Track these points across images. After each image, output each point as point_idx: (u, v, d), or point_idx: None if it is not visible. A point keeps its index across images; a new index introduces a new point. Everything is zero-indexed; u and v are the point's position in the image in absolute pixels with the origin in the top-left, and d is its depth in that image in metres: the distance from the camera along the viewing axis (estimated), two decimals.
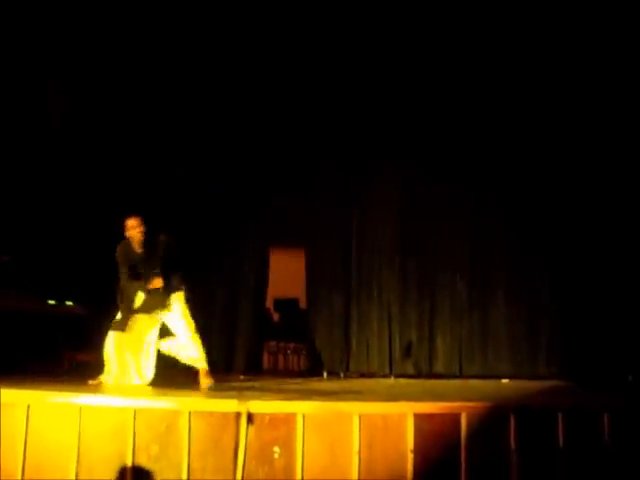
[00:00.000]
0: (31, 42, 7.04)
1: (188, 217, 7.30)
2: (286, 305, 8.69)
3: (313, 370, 7.31)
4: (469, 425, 3.72)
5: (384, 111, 7.51)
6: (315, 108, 7.50)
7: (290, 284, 8.20)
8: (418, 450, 3.64)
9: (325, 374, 7.14)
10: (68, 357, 6.58)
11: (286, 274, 8.06)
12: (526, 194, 7.30)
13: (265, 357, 8.07)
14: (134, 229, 5.12)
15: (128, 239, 5.16)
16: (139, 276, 5.15)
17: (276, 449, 3.63)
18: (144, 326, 5.21)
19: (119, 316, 5.20)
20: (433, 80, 7.41)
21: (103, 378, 5.14)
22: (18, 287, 6.60)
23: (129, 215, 5.19)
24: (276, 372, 7.74)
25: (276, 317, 8.81)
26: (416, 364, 7.29)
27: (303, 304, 7.91)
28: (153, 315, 5.20)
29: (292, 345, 8.20)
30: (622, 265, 6.97)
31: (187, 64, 7.42)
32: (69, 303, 6.98)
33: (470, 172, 7.41)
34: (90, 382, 5.01)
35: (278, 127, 7.48)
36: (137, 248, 5.16)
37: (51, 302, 6.88)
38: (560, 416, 3.82)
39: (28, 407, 3.84)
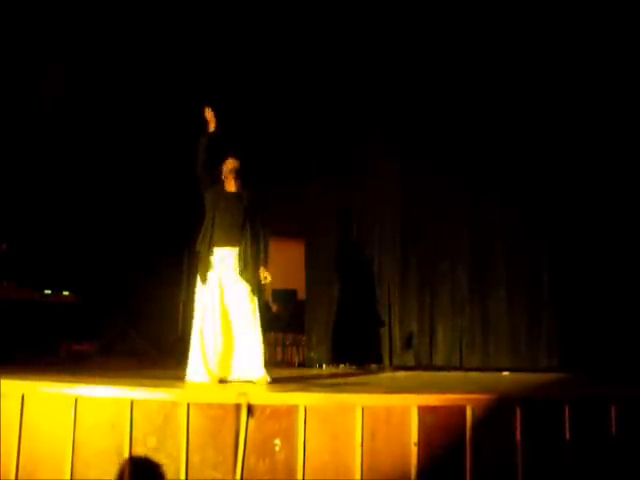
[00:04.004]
0: (27, 29, 6.94)
1: (183, 206, 7.21)
2: (285, 296, 8.62)
3: (312, 362, 7.25)
4: (474, 418, 3.65)
5: (384, 100, 7.45)
6: (314, 95, 7.41)
7: (289, 275, 8.12)
8: (422, 443, 3.56)
9: (324, 366, 7.08)
10: (64, 347, 6.51)
11: (285, 265, 7.99)
12: (526, 182, 7.25)
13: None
14: None
15: None
16: None
17: (277, 442, 3.56)
18: None
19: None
20: (435, 69, 7.35)
21: None
22: (15, 276, 6.55)
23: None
24: (274, 364, 7.67)
25: (275, 308, 8.74)
26: (416, 356, 7.24)
27: (302, 295, 7.83)
28: None
29: (291, 336, 8.12)
30: (623, 254, 6.92)
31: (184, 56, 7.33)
32: (65, 293, 6.92)
33: (470, 161, 7.36)
34: None
35: (277, 114, 7.38)
36: None
37: (47, 292, 6.81)
38: (567, 408, 3.76)
39: (22, 397, 3.77)
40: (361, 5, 7.19)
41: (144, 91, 7.34)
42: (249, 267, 4.89)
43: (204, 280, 4.82)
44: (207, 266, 4.85)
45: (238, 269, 4.84)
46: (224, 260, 4.86)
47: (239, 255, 4.88)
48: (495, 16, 7.16)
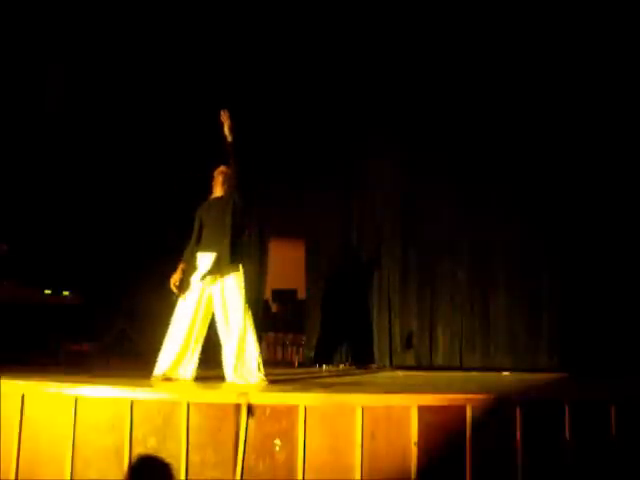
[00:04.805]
0: (29, 28, 6.94)
1: (184, 207, 7.20)
2: (285, 296, 8.62)
3: (312, 361, 7.25)
4: (474, 418, 3.65)
5: (384, 101, 7.45)
6: (315, 96, 7.40)
7: (289, 275, 8.12)
8: (422, 443, 3.56)
9: (324, 366, 7.07)
10: (64, 347, 6.50)
11: (285, 265, 7.99)
12: (526, 181, 7.25)
13: (263, 348, 7.99)
14: None
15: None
16: None
17: (277, 442, 3.56)
18: None
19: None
20: (438, 71, 7.36)
21: None
22: (15, 276, 6.54)
23: None
24: (275, 364, 7.67)
25: (274, 308, 8.74)
26: (416, 356, 7.24)
27: (302, 295, 7.84)
28: None
29: (291, 336, 8.12)
30: (623, 253, 6.92)
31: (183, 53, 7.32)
32: (66, 293, 6.90)
33: (470, 161, 7.37)
34: None
35: (277, 115, 7.38)
36: None
37: (47, 292, 6.80)
38: (567, 408, 3.76)
39: (22, 397, 3.77)
40: (361, 11, 7.21)
41: (144, 92, 7.34)
42: (230, 267, 4.80)
43: (187, 285, 4.82)
44: (189, 271, 4.84)
45: (225, 272, 4.77)
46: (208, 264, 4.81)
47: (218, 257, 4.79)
48: (496, 18, 7.18)
